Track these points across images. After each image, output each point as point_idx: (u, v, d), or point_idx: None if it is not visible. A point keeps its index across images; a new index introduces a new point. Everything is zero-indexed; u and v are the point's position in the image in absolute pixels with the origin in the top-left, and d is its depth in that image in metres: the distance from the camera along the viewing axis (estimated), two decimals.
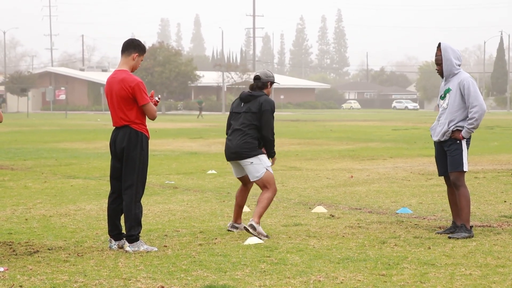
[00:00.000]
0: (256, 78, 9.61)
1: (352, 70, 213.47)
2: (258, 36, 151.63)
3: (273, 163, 9.58)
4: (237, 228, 9.70)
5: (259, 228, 9.17)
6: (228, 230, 9.72)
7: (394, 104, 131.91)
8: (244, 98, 9.51)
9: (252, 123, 9.35)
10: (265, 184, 9.34)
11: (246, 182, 9.71)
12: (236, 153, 9.38)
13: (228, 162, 9.76)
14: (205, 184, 15.32)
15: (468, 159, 9.49)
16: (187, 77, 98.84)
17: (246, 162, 9.34)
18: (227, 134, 9.70)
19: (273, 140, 9.47)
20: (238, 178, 9.71)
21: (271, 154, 9.54)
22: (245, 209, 11.56)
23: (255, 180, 9.34)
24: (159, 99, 8.79)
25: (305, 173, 17.47)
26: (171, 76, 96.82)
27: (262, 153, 9.40)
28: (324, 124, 51.88)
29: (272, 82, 9.66)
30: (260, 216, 9.27)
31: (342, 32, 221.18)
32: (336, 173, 17.48)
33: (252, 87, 9.61)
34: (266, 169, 9.34)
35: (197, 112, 74.00)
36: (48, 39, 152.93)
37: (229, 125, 9.69)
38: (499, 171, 17.44)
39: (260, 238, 9.00)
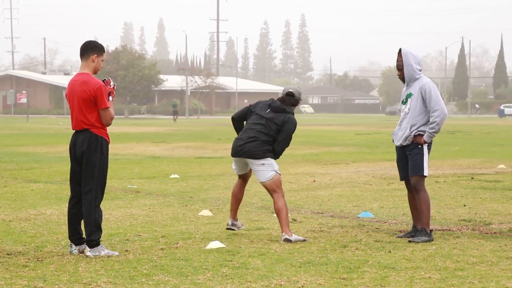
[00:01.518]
0: (290, 94, 9.64)
1: (315, 74, 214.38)
2: (222, 40, 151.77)
3: None
4: (235, 225, 9.74)
5: (295, 237, 9.23)
6: (228, 228, 9.73)
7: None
8: (275, 108, 9.54)
9: (270, 133, 9.44)
10: (274, 187, 9.37)
11: (245, 178, 9.79)
12: (247, 152, 9.41)
13: (234, 158, 9.69)
14: (167, 188, 15.28)
15: (429, 164, 9.58)
16: (150, 81, 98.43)
17: (257, 162, 9.39)
18: (237, 128, 9.77)
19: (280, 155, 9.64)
20: (240, 175, 9.76)
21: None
22: (208, 213, 11.55)
23: (264, 181, 9.37)
24: (114, 86, 8.67)
25: None
26: (135, 80, 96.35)
27: (272, 157, 9.50)
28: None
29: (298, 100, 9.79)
30: (288, 225, 9.29)
31: (305, 37, 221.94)
32: (299, 177, 17.53)
33: (283, 100, 9.64)
34: (276, 171, 9.41)
35: (172, 116, 73.90)
36: (9, 42, 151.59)
37: (242, 118, 9.71)
38: (459, 176, 17.61)
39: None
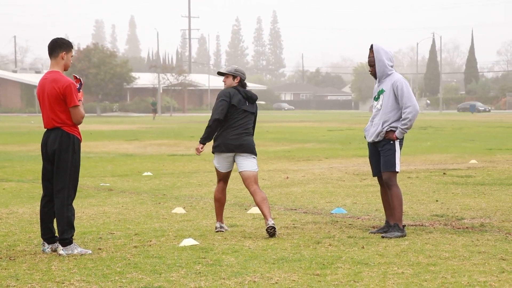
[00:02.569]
0: (238, 74, 9.77)
1: (288, 71, 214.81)
2: (194, 37, 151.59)
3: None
4: (223, 228, 9.83)
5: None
6: (218, 231, 9.75)
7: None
8: (254, 99, 9.83)
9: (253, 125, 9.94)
10: (256, 178, 9.64)
11: (226, 179, 9.87)
12: (247, 146, 9.61)
13: (219, 154, 9.69)
14: (140, 186, 15.24)
15: (401, 159, 9.64)
16: (122, 79, 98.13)
17: (252, 156, 9.68)
18: (219, 125, 9.65)
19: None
20: (222, 173, 9.78)
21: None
22: (181, 210, 11.53)
23: (253, 171, 9.59)
24: (81, 81, 8.63)
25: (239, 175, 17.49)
26: (106, 78, 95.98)
27: None
28: (260, 125, 51.93)
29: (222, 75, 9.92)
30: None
31: (277, 34, 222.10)
32: (272, 174, 17.55)
33: (243, 85, 9.80)
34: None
35: (151, 114, 73.78)
36: None
37: (223, 115, 9.59)
38: (431, 171, 17.72)
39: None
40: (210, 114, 9.75)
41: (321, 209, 11.75)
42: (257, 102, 9.99)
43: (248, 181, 9.60)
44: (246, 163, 9.62)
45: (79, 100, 8.44)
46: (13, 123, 61.66)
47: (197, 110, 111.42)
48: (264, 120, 68.51)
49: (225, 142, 9.59)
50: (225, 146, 9.60)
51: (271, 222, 9.29)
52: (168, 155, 24.36)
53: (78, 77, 8.69)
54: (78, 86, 8.56)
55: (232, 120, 9.61)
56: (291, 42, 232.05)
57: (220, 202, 9.88)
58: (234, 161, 9.72)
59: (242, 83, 9.78)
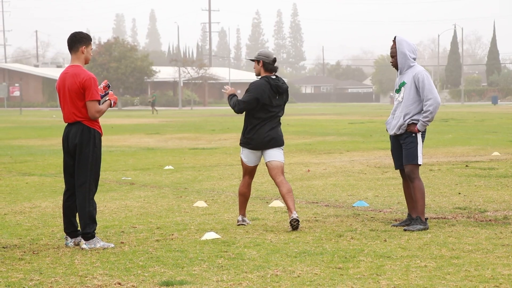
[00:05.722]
0: (275, 61, 9.75)
1: (308, 64, 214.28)
2: (214, 31, 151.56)
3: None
4: (245, 221, 9.81)
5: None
6: (240, 225, 9.74)
7: None
8: (284, 90, 9.72)
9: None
10: (283, 169, 9.64)
11: (252, 174, 9.83)
12: (275, 140, 9.59)
13: (249, 150, 9.67)
14: (162, 179, 15.27)
15: (423, 152, 9.59)
16: (143, 73, 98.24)
17: (280, 148, 9.68)
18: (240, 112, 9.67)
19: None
20: (250, 167, 9.72)
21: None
22: (203, 204, 11.54)
23: (281, 161, 9.57)
24: (107, 87, 8.65)
25: (262, 168, 17.49)
26: (127, 72, 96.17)
27: None
28: (281, 118, 51.78)
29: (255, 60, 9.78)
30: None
31: (298, 26, 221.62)
32: (293, 167, 17.53)
33: (272, 69, 9.70)
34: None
35: (154, 109, 73.11)
36: (1, 35, 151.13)
37: (252, 107, 9.57)
38: (453, 164, 17.63)
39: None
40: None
41: (342, 202, 11.72)
42: None
43: (275, 171, 9.56)
44: (273, 153, 9.60)
45: (105, 99, 8.49)
46: (35, 117, 61.99)
47: (217, 104, 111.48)
48: (285, 113, 68.41)
49: (257, 140, 9.55)
50: (256, 144, 9.57)
51: (295, 215, 9.28)
52: (189, 148, 24.40)
53: (107, 85, 8.67)
54: (104, 92, 8.58)
55: (263, 117, 9.57)
56: (311, 35, 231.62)
57: (244, 196, 9.87)
58: (262, 154, 9.71)
59: (267, 67, 9.65)
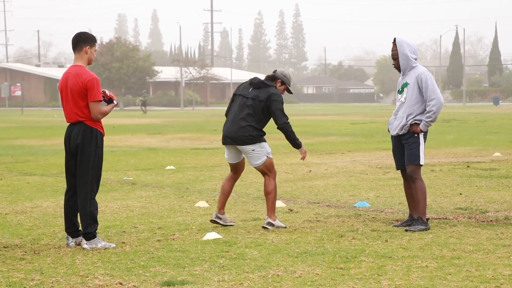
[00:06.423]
0: (274, 71, 9.72)
1: (310, 64, 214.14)
2: (216, 31, 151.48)
3: (303, 155, 9.62)
4: (221, 219, 9.61)
5: (277, 223, 9.43)
6: (212, 221, 9.62)
7: None
8: (256, 84, 9.56)
9: (257, 114, 9.43)
10: (266, 170, 9.46)
11: (237, 170, 9.70)
12: (235, 138, 9.40)
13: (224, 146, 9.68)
14: (163, 180, 15.27)
15: (424, 153, 9.59)
16: (145, 73, 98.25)
17: (248, 148, 9.40)
18: (226, 116, 9.72)
19: (289, 127, 9.49)
20: (230, 164, 9.68)
21: (296, 145, 9.59)
22: (204, 204, 11.55)
23: (255, 166, 9.43)
24: (109, 95, 8.65)
25: None
26: (129, 72, 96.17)
27: (264, 140, 9.47)
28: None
29: (283, 83, 9.68)
30: (274, 210, 9.45)
31: (300, 27, 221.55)
32: (295, 167, 17.54)
33: (266, 77, 9.69)
34: (267, 156, 9.46)
35: (145, 109, 72.09)
36: (3, 34, 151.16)
37: (229, 108, 9.67)
38: (455, 164, 17.63)
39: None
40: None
41: (344, 203, 11.72)
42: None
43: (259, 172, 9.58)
44: (249, 159, 9.54)
45: (106, 100, 8.51)
46: (36, 117, 62.02)
47: (219, 104, 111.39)
48: (287, 113, 68.40)
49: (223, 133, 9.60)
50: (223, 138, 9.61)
51: (266, 221, 9.43)
52: (191, 148, 24.40)
53: (108, 94, 8.67)
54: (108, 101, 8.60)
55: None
56: (313, 35, 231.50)
57: (224, 192, 9.70)
58: (240, 152, 9.62)
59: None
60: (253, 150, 9.41)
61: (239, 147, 9.48)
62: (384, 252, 7.90)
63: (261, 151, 9.44)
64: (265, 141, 9.50)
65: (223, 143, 9.64)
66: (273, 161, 9.58)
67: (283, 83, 9.72)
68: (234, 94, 9.72)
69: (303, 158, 9.67)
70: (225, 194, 9.72)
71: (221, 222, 9.64)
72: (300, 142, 9.65)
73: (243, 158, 9.77)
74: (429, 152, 20.78)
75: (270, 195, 9.46)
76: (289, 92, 9.76)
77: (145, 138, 30.81)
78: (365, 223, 9.77)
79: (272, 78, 9.70)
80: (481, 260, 7.48)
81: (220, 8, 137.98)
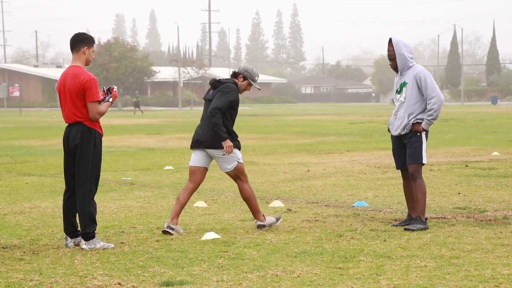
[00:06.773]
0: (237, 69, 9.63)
1: (308, 64, 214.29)
2: (214, 31, 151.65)
3: (226, 149, 9.11)
4: (173, 229, 9.10)
5: (268, 221, 9.38)
6: (164, 232, 9.09)
7: None
8: (212, 84, 9.43)
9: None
10: (238, 174, 9.31)
11: (196, 179, 9.34)
12: (205, 142, 9.23)
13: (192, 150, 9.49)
14: (162, 180, 15.27)
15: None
16: (143, 73, 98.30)
17: (217, 152, 9.22)
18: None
19: (215, 120, 9.07)
20: (192, 167, 9.36)
21: (221, 138, 9.13)
22: (203, 204, 11.55)
23: (227, 171, 9.29)
24: (105, 93, 8.63)
25: (262, 168, 17.51)
26: (127, 72, 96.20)
27: (235, 146, 9.23)
28: (281, 118, 51.92)
29: (246, 78, 9.45)
30: (259, 211, 9.37)
31: (298, 27, 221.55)
32: (293, 167, 17.54)
33: (231, 75, 9.54)
34: (238, 161, 9.27)
35: (139, 109, 71.18)
36: (1, 35, 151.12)
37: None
38: (453, 164, 17.64)
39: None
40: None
41: (342, 202, 11.72)
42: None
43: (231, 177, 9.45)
44: (219, 164, 9.38)
45: (105, 101, 8.49)
46: (34, 117, 61.98)
47: None
48: (285, 113, 68.47)
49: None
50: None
51: (256, 225, 9.41)
52: (189, 148, 24.35)
53: (107, 89, 8.66)
54: (108, 97, 8.58)
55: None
56: (311, 35, 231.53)
57: (180, 202, 9.26)
58: (208, 158, 9.42)
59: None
60: (223, 154, 9.19)
61: (209, 151, 9.25)
62: (383, 252, 7.91)
63: (231, 156, 9.21)
64: (236, 147, 9.24)
65: (192, 147, 9.41)
66: (243, 167, 9.31)
67: (245, 78, 9.54)
68: (204, 99, 9.54)
69: (227, 153, 9.14)
70: (182, 205, 9.28)
71: (173, 232, 9.11)
72: (226, 136, 9.10)
73: (206, 169, 9.39)
74: (427, 151, 20.66)
75: (249, 201, 9.33)
76: (255, 87, 9.58)
77: (143, 138, 30.81)
78: (364, 223, 9.78)
79: (234, 74, 9.51)
80: (480, 260, 7.48)
81: (218, 8, 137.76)
